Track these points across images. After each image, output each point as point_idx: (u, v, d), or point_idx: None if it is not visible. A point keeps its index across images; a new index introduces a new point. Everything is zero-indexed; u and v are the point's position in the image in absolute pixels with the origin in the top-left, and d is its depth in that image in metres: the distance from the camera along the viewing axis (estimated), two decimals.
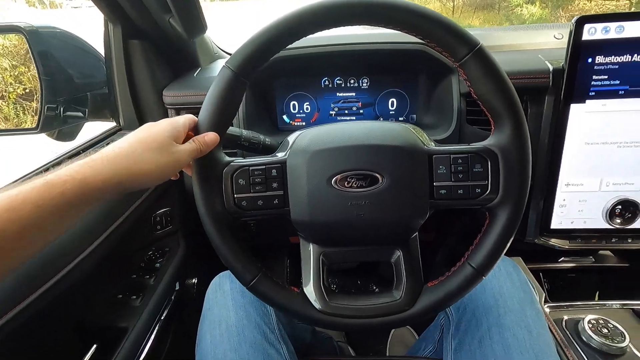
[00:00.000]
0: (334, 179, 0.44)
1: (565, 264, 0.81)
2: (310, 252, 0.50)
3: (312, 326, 0.74)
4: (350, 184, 0.44)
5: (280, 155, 0.47)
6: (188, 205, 0.75)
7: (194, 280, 0.84)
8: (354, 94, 0.80)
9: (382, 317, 0.47)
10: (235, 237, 0.47)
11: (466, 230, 0.92)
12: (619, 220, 0.67)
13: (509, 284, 0.58)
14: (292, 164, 0.46)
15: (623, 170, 0.65)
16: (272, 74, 0.76)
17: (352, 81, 0.79)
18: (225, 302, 0.61)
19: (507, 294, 0.56)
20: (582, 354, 0.59)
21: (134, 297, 0.61)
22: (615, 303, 0.69)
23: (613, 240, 0.71)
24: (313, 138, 0.47)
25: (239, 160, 0.46)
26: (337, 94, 0.81)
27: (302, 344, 0.75)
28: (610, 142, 0.64)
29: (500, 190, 0.43)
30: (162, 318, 0.64)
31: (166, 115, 0.73)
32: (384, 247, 0.50)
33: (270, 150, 0.56)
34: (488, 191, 0.44)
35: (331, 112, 0.82)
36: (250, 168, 0.46)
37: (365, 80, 0.79)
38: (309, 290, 0.48)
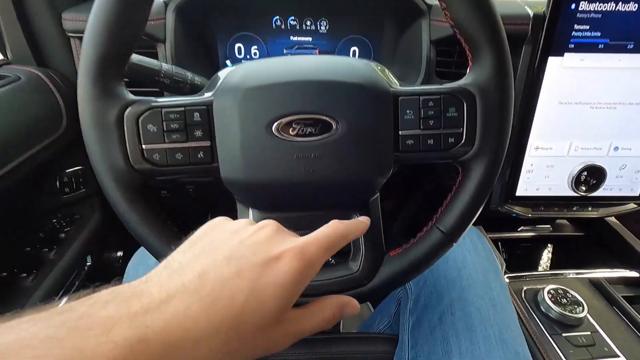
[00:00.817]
0: (275, 124, 0.34)
1: (524, 233, 0.78)
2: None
3: None
4: (296, 132, 0.35)
5: (207, 94, 0.36)
6: None
7: (119, 253, 0.71)
8: (310, 38, 0.69)
9: (337, 293, 0.40)
10: (148, 201, 0.36)
11: (428, 195, 0.87)
12: (583, 188, 0.64)
13: (474, 253, 0.52)
14: (220, 106, 0.35)
15: (592, 134, 0.61)
16: (211, 7, 0.62)
17: (308, 23, 0.68)
18: None
19: (471, 265, 0.51)
20: (541, 325, 0.56)
21: (24, 275, 0.48)
22: (572, 272, 0.68)
23: (574, 208, 0.69)
24: (248, 73, 0.36)
25: (149, 99, 0.34)
26: (291, 37, 0.69)
27: None
28: (584, 103, 0.59)
29: (476, 140, 0.36)
30: (66, 301, 0.52)
31: (68, 47, 0.57)
32: (340, 211, 0.41)
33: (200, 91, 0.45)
34: (463, 141, 0.36)
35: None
36: (164, 110, 0.34)
37: (324, 23, 0.68)
38: None
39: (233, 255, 0.22)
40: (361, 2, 0.64)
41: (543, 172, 0.64)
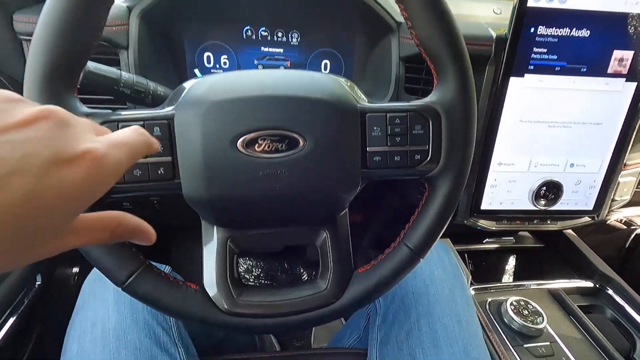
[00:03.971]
0: (240, 140, 0.33)
1: (488, 244, 0.81)
2: (213, 238, 0.39)
3: (217, 331, 0.63)
4: (262, 148, 0.34)
5: (168, 108, 0.34)
6: None
7: (74, 269, 0.67)
8: (281, 50, 0.68)
9: (305, 312, 0.39)
10: None
11: (397, 210, 0.88)
12: (543, 202, 0.67)
13: (440, 268, 0.53)
14: (182, 120, 0.33)
15: (550, 151, 0.64)
16: (179, 13, 0.61)
17: (279, 34, 0.67)
18: (105, 296, 0.48)
19: (438, 280, 0.51)
20: (504, 337, 0.58)
21: None
22: (533, 283, 0.70)
23: (535, 221, 0.72)
24: (213, 85, 0.34)
25: (103, 112, 0.32)
26: (262, 48, 0.68)
27: (214, 341, 0.64)
28: (542, 121, 0.62)
29: (442, 157, 0.37)
30: (9, 325, 0.48)
31: (20, 49, 0.53)
32: (307, 227, 0.41)
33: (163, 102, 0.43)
34: (429, 158, 0.37)
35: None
36: (120, 124, 0.32)
37: (296, 35, 0.68)
38: (211, 286, 0.38)
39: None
40: (333, 16, 0.64)
41: (506, 187, 0.66)
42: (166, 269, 0.57)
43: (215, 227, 0.39)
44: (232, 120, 0.33)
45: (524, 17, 0.55)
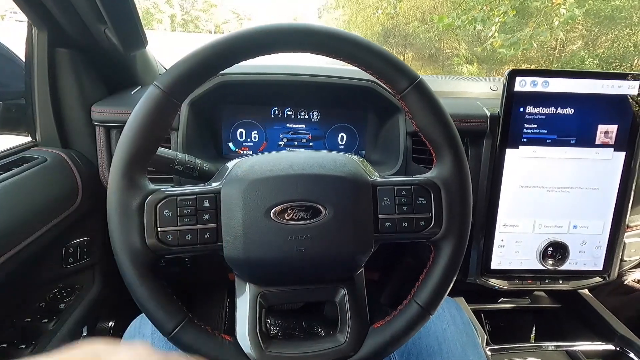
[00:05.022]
0: (273, 210, 0.41)
1: (504, 304, 0.82)
2: (246, 293, 0.45)
3: None
4: (290, 216, 0.41)
5: (215, 184, 0.43)
6: None
7: (110, 323, 0.72)
8: (304, 125, 0.79)
9: None
10: (156, 277, 0.40)
11: (410, 269, 0.91)
12: (550, 262, 0.70)
13: (453, 326, 0.56)
14: (227, 194, 0.41)
15: (553, 213, 0.69)
16: (220, 98, 0.73)
17: (302, 113, 0.78)
18: None
19: (450, 338, 0.54)
20: None
21: (23, 346, 0.49)
22: (551, 345, 0.70)
23: (546, 281, 0.74)
24: (252, 166, 0.43)
25: (166, 189, 0.41)
26: (287, 124, 0.79)
27: None
28: (541, 187, 0.67)
29: (443, 223, 0.43)
30: None
31: (93, 134, 0.65)
32: (328, 285, 0.46)
33: (208, 177, 0.51)
34: (432, 224, 0.43)
35: (280, 143, 0.80)
36: (179, 198, 0.41)
37: (316, 113, 0.79)
38: (243, 338, 0.43)
39: None
40: (347, 98, 0.75)
41: (513, 247, 0.70)
42: None
43: (247, 283, 0.45)
44: (267, 194, 0.41)
45: (512, 100, 0.64)
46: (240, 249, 0.41)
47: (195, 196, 0.41)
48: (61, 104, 0.63)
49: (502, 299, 0.83)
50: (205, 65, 0.39)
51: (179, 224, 0.40)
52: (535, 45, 5.08)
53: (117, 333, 0.71)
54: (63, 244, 0.63)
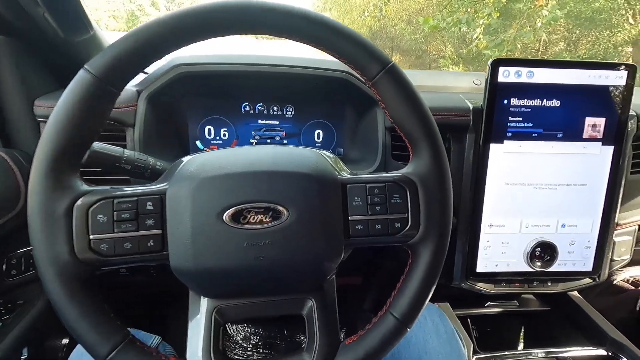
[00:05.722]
0: (226, 213, 0.35)
1: (491, 309, 0.78)
2: (199, 308, 0.39)
3: None
4: (246, 220, 0.36)
5: (161, 184, 0.37)
6: None
7: (64, 341, 0.66)
8: (277, 122, 0.74)
9: None
10: (89, 293, 0.34)
11: (394, 272, 0.87)
12: (539, 263, 0.66)
13: (435, 336, 0.51)
14: (173, 195, 0.36)
15: (540, 212, 0.65)
16: (183, 92, 0.67)
17: (275, 109, 0.73)
18: None
19: (432, 350, 0.49)
20: None
21: None
22: (541, 352, 0.66)
23: (535, 283, 0.70)
24: (204, 162, 0.38)
25: (101, 189, 0.35)
26: (259, 121, 0.73)
27: None
28: (527, 184, 0.64)
29: (421, 224, 0.39)
30: None
31: (37, 130, 0.59)
32: (292, 296, 0.41)
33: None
34: (409, 225, 0.39)
35: (252, 141, 0.74)
36: (116, 200, 0.35)
37: (290, 109, 0.73)
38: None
39: None
40: (322, 91, 0.71)
41: (499, 249, 0.66)
42: (156, 339, 0.56)
43: (201, 298, 0.39)
44: (219, 195, 0.35)
45: (496, 91, 0.60)
46: (189, 259, 0.35)
47: (136, 198, 0.35)
48: (1, 98, 0.57)
49: (489, 302, 0.78)
50: (147, 47, 0.34)
51: (115, 231, 0.35)
52: (519, 46, 5.13)
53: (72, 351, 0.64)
54: (5, 254, 0.56)
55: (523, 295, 0.82)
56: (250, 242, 0.35)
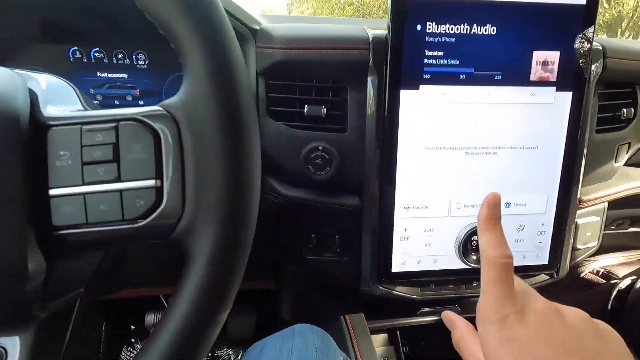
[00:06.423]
0: None
1: (426, 317, 0.60)
2: None
3: None
4: None
5: None
6: None
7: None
8: (125, 75, 0.54)
9: None
10: None
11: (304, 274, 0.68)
12: (475, 257, 0.48)
13: None
14: None
15: (474, 187, 0.47)
16: None
17: (119, 56, 0.53)
18: None
19: None
20: None
21: None
22: None
23: (474, 284, 0.53)
24: None
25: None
26: (98, 73, 0.53)
27: None
28: (456, 147, 0.45)
29: (186, 200, 0.21)
30: None
31: None
32: None
33: None
34: (163, 204, 0.21)
35: (94, 102, 0.54)
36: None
37: (142, 57, 0.53)
38: None
39: None
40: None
41: (422, 239, 0.48)
42: None
43: None
44: None
45: (406, 12, 0.41)
46: None
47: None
48: None
49: (423, 309, 0.61)
50: None
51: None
52: None
53: None
54: None
55: (469, 299, 0.64)
56: None
